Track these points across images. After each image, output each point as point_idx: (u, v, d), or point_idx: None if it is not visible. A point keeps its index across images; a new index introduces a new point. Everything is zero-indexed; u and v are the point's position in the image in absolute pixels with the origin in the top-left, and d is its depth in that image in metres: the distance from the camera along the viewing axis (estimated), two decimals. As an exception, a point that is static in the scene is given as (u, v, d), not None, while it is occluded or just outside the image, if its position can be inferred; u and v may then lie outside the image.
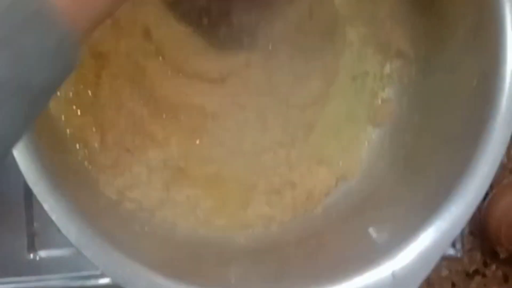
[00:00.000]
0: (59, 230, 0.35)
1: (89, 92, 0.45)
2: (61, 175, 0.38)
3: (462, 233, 0.55)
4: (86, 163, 0.45)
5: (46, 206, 0.35)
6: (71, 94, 0.45)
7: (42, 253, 0.51)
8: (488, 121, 0.38)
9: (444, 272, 0.58)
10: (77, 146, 0.45)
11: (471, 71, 0.41)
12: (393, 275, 0.36)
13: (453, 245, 0.54)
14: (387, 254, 0.37)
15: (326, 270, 0.38)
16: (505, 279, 0.58)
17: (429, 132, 0.45)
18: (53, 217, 0.35)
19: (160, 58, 0.46)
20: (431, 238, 0.37)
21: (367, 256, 0.38)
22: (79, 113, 0.45)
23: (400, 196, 0.43)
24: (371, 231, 0.41)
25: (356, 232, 0.43)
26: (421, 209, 0.39)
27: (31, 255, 0.51)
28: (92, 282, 0.51)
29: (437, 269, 0.60)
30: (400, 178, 0.45)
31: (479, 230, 0.56)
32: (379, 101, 0.50)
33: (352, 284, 0.36)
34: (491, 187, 0.41)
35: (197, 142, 0.47)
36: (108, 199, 0.45)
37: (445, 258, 0.58)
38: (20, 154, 0.35)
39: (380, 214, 0.43)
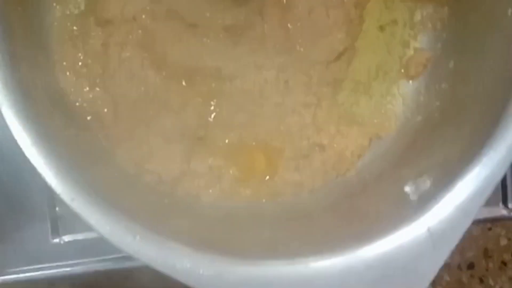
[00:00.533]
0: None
1: (98, 63, 0.43)
2: (77, 156, 0.36)
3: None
4: (101, 137, 0.43)
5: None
6: (79, 64, 0.43)
7: (66, 238, 0.49)
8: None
9: (503, 241, 0.54)
10: (90, 120, 0.43)
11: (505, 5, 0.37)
12: (429, 230, 0.33)
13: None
14: (422, 209, 0.34)
15: (360, 232, 0.35)
16: None
17: (465, 78, 0.41)
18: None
19: (171, 19, 0.43)
20: (468, 187, 0.33)
21: (402, 214, 0.34)
22: (88, 87, 0.43)
23: (436, 149, 0.39)
24: (407, 189, 0.37)
25: (391, 191, 0.39)
26: (458, 159, 0.36)
27: (56, 240, 0.49)
28: (119, 264, 0.48)
29: (495, 237, 0.56)
30: (435, 130, 0.41)
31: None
32: (412, 51, 0.46)
33: (385, 244, 0.33)
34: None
35: (215, 108, 0.44)
36: (126, 173, 0.42)
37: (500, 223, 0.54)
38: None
39: (416, 170, 0.38)
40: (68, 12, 0.43)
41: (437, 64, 0.45)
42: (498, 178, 0.34)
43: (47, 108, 0.37)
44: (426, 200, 0.34)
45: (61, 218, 0.49)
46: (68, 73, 0.42)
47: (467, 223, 0.33)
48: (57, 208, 0.49)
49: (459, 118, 0.40)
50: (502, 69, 0.37)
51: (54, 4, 0.43)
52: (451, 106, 0.41)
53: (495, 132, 0.34)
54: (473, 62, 0.40)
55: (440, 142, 0.39)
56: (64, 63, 0.42)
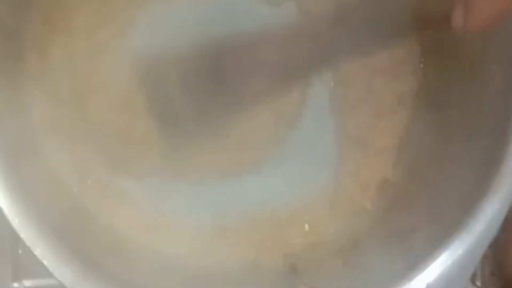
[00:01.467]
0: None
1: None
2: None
3: (482, 273, 0.49)
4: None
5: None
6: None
7: (27, 283, 0.46)
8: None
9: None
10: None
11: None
12: (429, 287, 0.32)
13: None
14: (419, 265, 0.33)
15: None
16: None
17: (449, 132, 0.40)
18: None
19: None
20: (465, 242, 0.33)
21: (399, 270, 0.34)
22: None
23: (428, 204, 0.39)
24: (401, 246, 0.37)
25: (383, 248, 0.38)
26: (452, 214, 0.35)
27: (15, 284, 0.46)
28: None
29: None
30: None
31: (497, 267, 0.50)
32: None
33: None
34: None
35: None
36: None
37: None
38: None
39: (407, 226, 0.38)
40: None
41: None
42: (494, 231, 0.34)
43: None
44: (423, 256, 0.34)
45: (23, 262, 0.46)
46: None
47: (465, 278, 0.34)
48: (20, 251, 0.46)
49: (449, 172, 0.39)
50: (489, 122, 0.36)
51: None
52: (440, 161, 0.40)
53: (489, 186, 0.34)
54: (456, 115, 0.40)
55: (432, 196, 0.39)
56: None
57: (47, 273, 0.44)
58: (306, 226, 0.42)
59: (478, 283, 0.49)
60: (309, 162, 0.43)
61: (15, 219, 0.31)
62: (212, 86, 0.43)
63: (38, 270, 0.45)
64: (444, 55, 0.42)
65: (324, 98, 0.43)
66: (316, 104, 0.43)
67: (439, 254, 0.33)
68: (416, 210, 0.39)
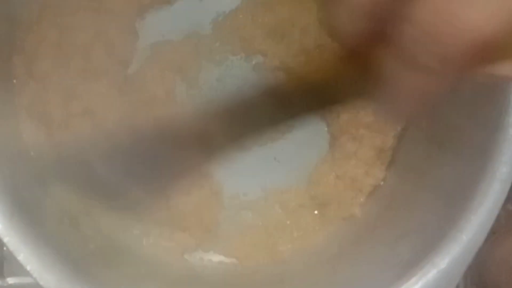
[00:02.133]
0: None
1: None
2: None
3: (465, 283, 0.50)
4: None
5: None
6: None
7: (11, 280, 0.45)
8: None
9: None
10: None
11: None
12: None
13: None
14: (405, 274, 0.33)
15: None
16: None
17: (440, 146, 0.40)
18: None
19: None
20: (451, 252, 0.33)
21: (385, 279, 0.34)
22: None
23: (413, 214, 0.39)
24: (387, 254, 0.37)
25: (369, 257, 0.39)
26: (438, 224, 0.35)
27: (-1, 282, 0.45)
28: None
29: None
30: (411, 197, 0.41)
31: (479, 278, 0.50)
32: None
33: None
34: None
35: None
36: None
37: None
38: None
39: (394, 235, 0.38)
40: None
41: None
42: (480, 242, 0.34)
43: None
44: (409, 265, 0.34)
45: (7, 259, 0.45)
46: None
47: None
48: (4, 248, 0.45)
49: (436, 183, 0.39)
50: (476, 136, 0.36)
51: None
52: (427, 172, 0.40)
53: (474, 198, 0.34)
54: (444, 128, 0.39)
55: (418, 207, 0.39)
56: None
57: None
58: (295, 232, 0.42)
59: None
60: (298, 167, 0.43)
61: (-1, 225, 0.30)
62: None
63: (23, 268, 0.45)
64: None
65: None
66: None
67: (425, 263, 0.33)
68: (404, 219, 0.39)
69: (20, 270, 0.44)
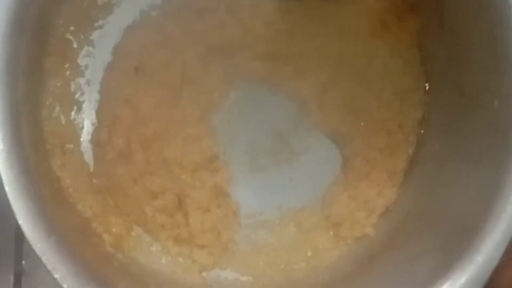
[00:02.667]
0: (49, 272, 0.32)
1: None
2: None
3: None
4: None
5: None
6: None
7: (28, 293, 0.46)
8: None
9: None
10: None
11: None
12: None
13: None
14: None
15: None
16: None
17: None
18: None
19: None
20: (467, 273, 0.34)
21: None
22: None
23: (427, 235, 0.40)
24: (403, 274, 0.38)
25: (385, 276, 0.40)
26: (454, 244, 0.36)
27: (16, 294, 0.46)
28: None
29: None
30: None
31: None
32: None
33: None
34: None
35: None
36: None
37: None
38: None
39: (410, 255, 0.39)
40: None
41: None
42: (495, 262, 0.35)
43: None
44: (425, 284, 0.34)
45: (25, 273, 0.46)
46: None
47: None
48: (23, 262, 0.46)
49: (452, 203, 0.40)
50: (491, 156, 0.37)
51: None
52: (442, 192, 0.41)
53: (490, 218, 0.35)
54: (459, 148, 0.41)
55: (432, 227, 0.40)
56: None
57: (48, 285, 0.45)
58: (309, 251, 0.43)
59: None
60: (313, 188, 0.45)
61: (37, 244, 0.31)
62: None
63: (40, 283, 0.46)
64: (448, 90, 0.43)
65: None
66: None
67: (442, 283, 0.34)
68: (418, 240, 0.40)
69: (37, 284, 0.46)
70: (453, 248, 0.36)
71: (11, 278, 0.46)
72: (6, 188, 0.31)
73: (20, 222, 0.31)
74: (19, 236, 0.45)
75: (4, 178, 0.31)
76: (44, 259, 0.32)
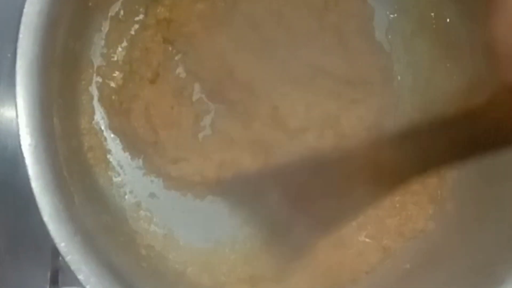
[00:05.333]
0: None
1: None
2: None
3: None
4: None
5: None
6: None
7: (64, 290, 0.46)
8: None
9: None
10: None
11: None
12: None
13: None
14: None
15: None
16: None
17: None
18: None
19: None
20: None
21: None
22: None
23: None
24: None
25: None
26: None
27: (52, 290, 0.46)
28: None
29: None
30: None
31: None
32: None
33: None
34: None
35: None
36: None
37: None
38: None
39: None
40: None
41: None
42: None
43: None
44: None
45: (62, 269, 0.46)
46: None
47: None
48: (60, 258, 0.46)
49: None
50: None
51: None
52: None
53: None
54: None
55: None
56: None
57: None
58: None
59: None
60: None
61: (62, 243, 0.30)
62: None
63: (76, 277, 0.46)
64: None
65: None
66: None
67: None
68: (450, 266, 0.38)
69: (74, 280, 0.46)
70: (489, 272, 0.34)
71: (48, 274, 0.46)
72: (32, 184, 0.30)
73: (45, 219, 0.31)
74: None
75: (30, 173, 0.30)
76: (67, 259, 0.31)
